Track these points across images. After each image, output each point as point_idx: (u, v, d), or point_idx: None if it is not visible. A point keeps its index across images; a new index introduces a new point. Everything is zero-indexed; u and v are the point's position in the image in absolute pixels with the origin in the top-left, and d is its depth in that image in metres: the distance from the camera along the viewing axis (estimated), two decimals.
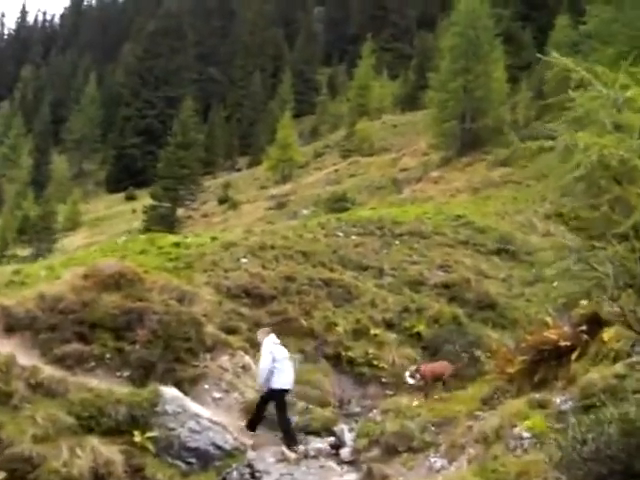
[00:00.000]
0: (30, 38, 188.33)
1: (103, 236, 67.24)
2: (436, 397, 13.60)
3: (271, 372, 13.89)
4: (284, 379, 14.08)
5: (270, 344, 14.42)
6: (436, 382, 15.03)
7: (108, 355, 14.60)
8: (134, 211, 78.89)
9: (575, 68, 9.61)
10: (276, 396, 14.03)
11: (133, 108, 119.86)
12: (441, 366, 15.53)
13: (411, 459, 10.88)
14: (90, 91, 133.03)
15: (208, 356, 15.76)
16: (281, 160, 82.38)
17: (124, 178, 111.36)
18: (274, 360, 13.99)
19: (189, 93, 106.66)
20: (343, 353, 18.00)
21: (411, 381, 14.91)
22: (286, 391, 14.23)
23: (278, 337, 14.84)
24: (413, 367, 15.26)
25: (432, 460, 10.40)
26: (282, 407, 14.04)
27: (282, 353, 14.38)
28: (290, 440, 13.59)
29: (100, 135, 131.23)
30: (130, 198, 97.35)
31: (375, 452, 11.98)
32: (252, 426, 14.04)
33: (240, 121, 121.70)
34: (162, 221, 62.32)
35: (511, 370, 10.98)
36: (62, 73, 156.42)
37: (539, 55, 13.51)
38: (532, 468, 7.35)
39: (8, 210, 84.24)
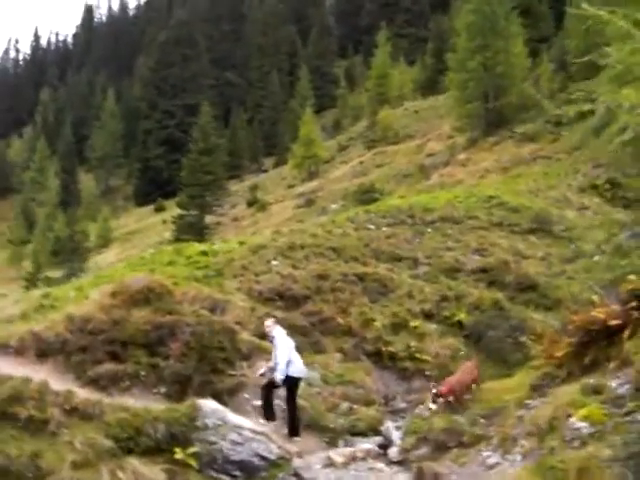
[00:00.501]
0: (45, 61, 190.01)
1: (135, 250, 67.22)
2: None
3: (289, 362, 13.78)
4: (299, 367, 14.03)
5: (283, 334, 14.30)
6: (466, 391, 13.84)
7: (142, 372, 14.32)
8: (164, 222, 78.85)
9: (611, 18, 8.81)
10: (291, 384, 13.90)
11: (153, 120, 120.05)
12: (463, 374, 14.20)
13: (462, 455, 10.37)
14: (109, 107, 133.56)
15: (245, 364, 15.41)
16: (306, 157, 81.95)
17: (151, 190, 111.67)
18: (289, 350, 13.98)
19: (208, 99, 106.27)
20: (383, 349, 17.46)
21: (434, 407, 13.53)
22: (300, 379, 14.16)
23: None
24: (434, 390, 13.77)
25: (484, 455, 9.89)
26: (294, 396, 13.95)
27: (292, 343, 14.34)
28: (294, 430, 13.64)
29: (123, 150, 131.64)
30: (159, 209, 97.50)
31: (424, 450, 11.50)
32: (270, 417, 13.95)
33: (262, 122, 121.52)
34: (191, 229, 62.12)
35: (559, 354, 10.44)
36: (80, 92, 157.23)
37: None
38: (593, 464, 6.81)
39: (40, 233, 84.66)
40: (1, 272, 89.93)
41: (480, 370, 13.91)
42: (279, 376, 13.83)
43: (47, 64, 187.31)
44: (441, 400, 13.22)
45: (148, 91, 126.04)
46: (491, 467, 9.35)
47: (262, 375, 14.44)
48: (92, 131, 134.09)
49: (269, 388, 14.04)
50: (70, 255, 68.72)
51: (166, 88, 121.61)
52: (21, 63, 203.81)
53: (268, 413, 13.99)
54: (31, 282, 64.24)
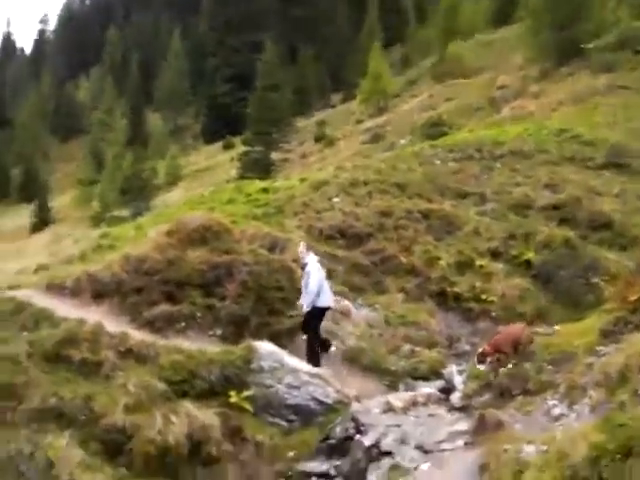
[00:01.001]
0: (111, 0, 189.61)
1: (203, 188, 67.31)
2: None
3: (319, 291, 13.51)
4: (328, 297, 13.77)
5: (316, 261, 13.96)
6: (514, 350, 11.86)
7: (198, 314, 14.14)
8: (232, 159, 78.67)
9: None
10: (318, 314, 13.63)
11: (220, 57, 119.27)
12: (510, 332, 12.33)
13: (527, 403, 9.86)
14: (175, 45, 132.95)
15: None
16: (374, 92, 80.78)
17: (219, 127, 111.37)
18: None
19: (274, 35, 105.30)
20: (448, 289, 16.89)
21: (483, 367, 12.01)
22: (328, 309, 13.87)
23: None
24: (479, 350, 12.22)
25: (550, 404, 9.37)
26: (317, 326, 13.71)
27: (324, 272, 14.00)
28: (313, 360, 13.37)
29: (190, 88, 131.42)
30: (227, 147, 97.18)
31: (487, 396, 11.02)
32: (316, 360, 13.53)
33: (329, 58, 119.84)
34: (257, 166, 61.76)
35: (633, 297, 9.75)
36: (146, 31, 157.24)
37: None
38: None
39: (108, 172, 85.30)
40: (70, 212, 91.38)
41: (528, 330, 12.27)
42: (305, 303, 13.57)
43: (113, 4, 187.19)
44: (488, 359, 11.84)
45: (214, 28, 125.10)
46: (556, 419, 8.84)
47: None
48: (159, 70, 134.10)
49: (309, 321, 13.69)
50: (137, 194, 69.07)
51: (232, 25, 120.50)
52: (87, 3, 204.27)
53: (313, 357, 13.59)
54: (98, 222, 64.88)
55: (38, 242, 65.87)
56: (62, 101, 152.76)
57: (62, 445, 9.11)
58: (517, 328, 12.30)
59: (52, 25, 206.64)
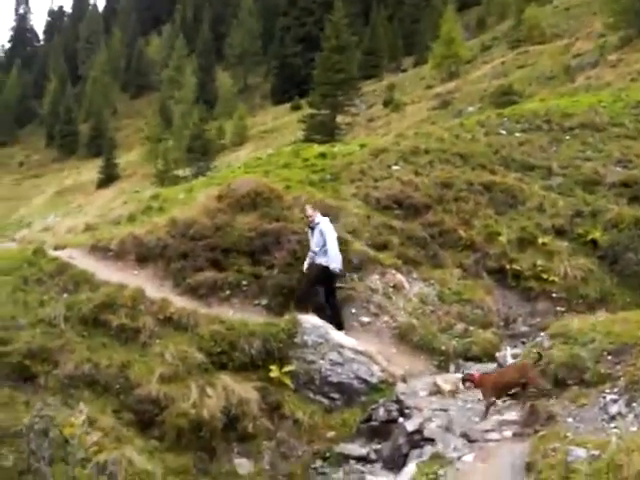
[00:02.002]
0: None
1: (269, 149, 67.02)
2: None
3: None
4: (339, 258, 13.36)
5: (329, 223, 13.62)
6: (504, 395, 10.40)
7: (244, 282, 13.81)
8: (300, 121, 78.22)
9: None
10: (327, 276, 13.28)
11: (291, 17, 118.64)
12: (506, 373, 10.53)
13: (582, 395, 9.21)
14: (247, 4, 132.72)
15: (355, 276, 14.58)
16: (446, 57, 79.53)
17: (288, 88, 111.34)
18: None
19: None
20: (507, 266, 16.05)
21: (463, 387, 10.98)
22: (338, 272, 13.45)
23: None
24: (465, 371, 11.70)
25: (607, 399, 8.73)
26: (335, 288, 13.54)
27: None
28: (341, 325, 13.08)
29: (261, 47, 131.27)
30: (295, 108, 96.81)
31: None
32: (340, 323, 13.18)
33: (402, 20, 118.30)
34: (322, 129, 61.11)
35: None
36: None
37: None
38: None
39: (176, 130, 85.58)
40: (137, 169, 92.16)
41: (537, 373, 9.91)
42: (334, 264, 13.14)
43: None
44: (468, 385, 10.66)
45: None
46: (612, 417, 8.22)
47: (308, 270, 13.66)
48: (230, 29, 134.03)
49: (316, 280, 13.31)
50: (202, 154, 69.06)
51: None
52: None
53: (336, 321, 13.15)
54: (161, 180, 65.09)
55: (102, 198, 66.50)
56: (133, 58, 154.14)
57: (79, 422, 8.73)
58: (520, 368, 10.31)
59: None
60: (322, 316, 12.74)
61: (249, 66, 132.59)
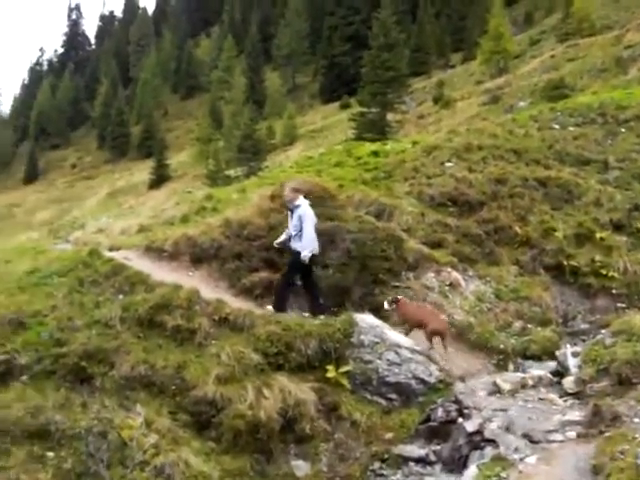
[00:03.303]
0: None
1: (319, 148, 66.99)
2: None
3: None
4: (316, 243, 13.05)
5: (308, 205, 13.19)
6: (417, 328, 12.53)
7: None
8: (349, 120, 78.07)
9: None
10: (309, 262, 12.95)
11: (338, 16, 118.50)
12: (429, 313, 12.80)
13: None
14: (295, 4, 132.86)
15: (411, 275, 14.46)
16: (495, 52, 78.96)
17: (337, 87, 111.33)
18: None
19: None
20: (565, 262, 15.80)
21: (387, 306, 12.86)
22: (315, 256, 13.08)
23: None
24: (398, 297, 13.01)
25: None
26: (311, 273, 13.19)
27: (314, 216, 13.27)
28: (319, 308, 12.89)
29: (309, 47, 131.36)
30: (345, 106, 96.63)
31: (604, 383, 10.08)
32: (320, 307, 12.98)
33: (450, 16, 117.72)
34: (372, 127, 60.77)
35: None
36: None
37: None
38: None
39: (226, 131, 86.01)
40: (188, 169, 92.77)
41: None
42: (307, 250, 12.79)
43: None
44: (393, 307, 12.65)
45: None
46: None
47: (279, 245, 13.52)
48: (278, 29, 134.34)
49: (295, 267, 13.06)
50: (252, 154, 69.26)
51: None
52: None
53: (315, 305, 13.05)
54: (213, 180, 65.33)
55: (153, 199, 66.98)
56: (183, 60, 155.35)
57: (137, 425, 8.72)
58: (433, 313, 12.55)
59: None
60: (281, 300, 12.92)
61: (297, 66, 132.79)
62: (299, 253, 12.83)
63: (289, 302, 13.15)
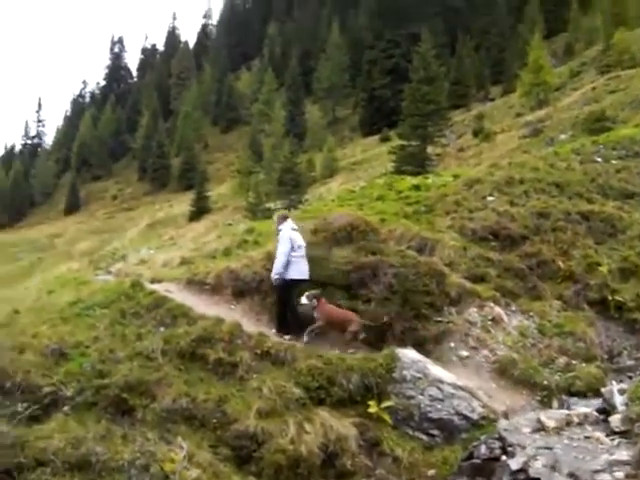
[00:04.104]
0: None
1: (360, 181, 67.03)
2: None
3: (289, 261, 13.24)
4: (301, 268, 13.43)
5: (289, 230, 13.60)
6: (338, 329, 13.22)
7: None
8: (390, 152, 78.09)
9: None
10: (290, 287, 13.34)
11: (378, 50, 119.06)
12: (341, 314, 13.30)
13: None
14: (334, 38, 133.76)
15: (453, 309, 14.32)
16: (534, 84, 78.55)
17: (377, 120, 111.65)
18: (292, 248, 13.32)
19: (433, 27, 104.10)
20: (609, 297, 15.56)
21: (305, 300, 13.27)
22: (302, 281, 13.45)
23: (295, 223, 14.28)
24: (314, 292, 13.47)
25: None
26: (291, 298, 13.40)
27: (300, 241, 13.64)
28: (281, 327, 13.31)
29: (349, 80, 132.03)
30: (385, 139, 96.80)
31: None
32: (285, 328, 13.32)
33: (489, 49, 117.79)
34: (412, 161, 60.70)
35: None
36: (306, 25, 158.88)
37: None
38: None
39: (266, 163, 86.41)
40: (228, 202, 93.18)
41: None
42: (273, 274, 13.27)
43: None
44: (314, 303, 13.20)
45: (373, 21, 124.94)
46: None
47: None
48: (318, 63, 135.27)
49: (282, 293, 13.43)
50: (292, 186, 69.42)
51: (391, 17, 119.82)
52: None
53: (281, 325, 13.40)
54: (253, 213, 65.54)
55: (193, 231, 67.34)
56: (223, 93, 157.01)
57: (179, 458, 8.70)
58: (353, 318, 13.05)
59: (215, 19, 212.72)
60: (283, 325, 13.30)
61: (337, 99, 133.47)
62: (286, 281, 13.32)
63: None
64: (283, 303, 13.46)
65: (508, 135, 67.94)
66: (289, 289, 13.41)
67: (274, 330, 13.25)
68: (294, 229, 13.80)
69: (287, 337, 12.98)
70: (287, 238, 13.43)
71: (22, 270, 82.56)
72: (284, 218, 14.07)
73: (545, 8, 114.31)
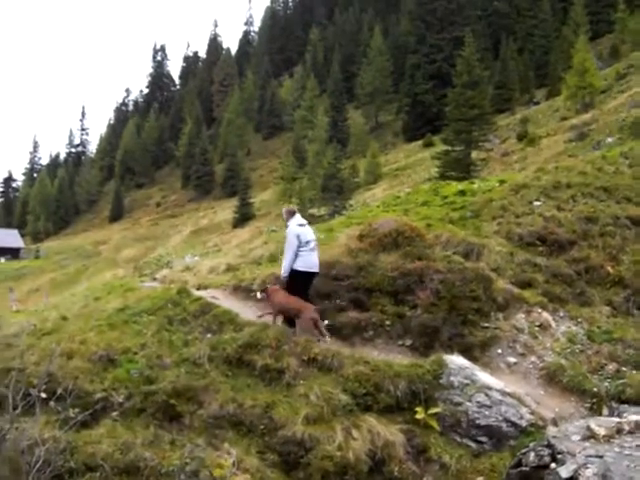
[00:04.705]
0: (314, 0, 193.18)
1: (403, 186, 66.85)
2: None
3: (296, 255, 13.20)
4: (309, 260, 13.33)
5: (295, 226, 13.54)
6: (295, 316, 13.14)
7: (387, 322, 13.61)
8: (433, 158, 77.79)
9: None
10: (299, 279, 13.28)
11: (421, 54, 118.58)
12: (291, 302, 13.19)
13: None
14: (377, 43, 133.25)
15: (500, 315, 14.18)
16: (580, 87, 77.56)
17: (420, 125, 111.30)
18: (300, 244, 13.25)
19: (476, 31, 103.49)
20: None
21: (259, 296, 13.85)
22: (310, 274, 13.42)
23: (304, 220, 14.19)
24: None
25: None
26: (298, 291, 13.42)
27: (309, 235, 13.56)
28: (290, 322, 13.32)
29: (392, 86, 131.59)
30: (428, 145, 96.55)
31: None
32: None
33: (533, 52, 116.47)
34: (457, 166, 60.49)
35: None
36: (348, 30, 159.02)
37: None
38: None
39: (309, 170, 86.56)
40: (271, 208, 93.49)
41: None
42: (282, 273, 13.37)
43: (315, 4, 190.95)
44: (263, 295, 13.66)
45: (415, 25, 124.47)
46: None
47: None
48: (360, 68, 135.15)
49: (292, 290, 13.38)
50: (336, 192, 69.45)
51: (433, 21, 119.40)
52: (290, 5, 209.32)
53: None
54: None
55: (238, 238, 67.65)
56: (266, 99, 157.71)
57: (228, 464, 8.73)
58: (296, 304, 13.05)
59: (256, 26, 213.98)
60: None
61: (380, 104, 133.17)
62: (294, 272, 13.37)
63: None
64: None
65: (553, 139, 67.30)
66: (296, 281, 13.39)
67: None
68: (301, 224, 13.74)
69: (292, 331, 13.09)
70: (293, 235, 13.41)
71: (67, 277, 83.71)
72: (292, 213, 14.00)
73: (590, 10, 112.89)
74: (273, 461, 10.04)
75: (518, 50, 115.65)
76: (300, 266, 13.29)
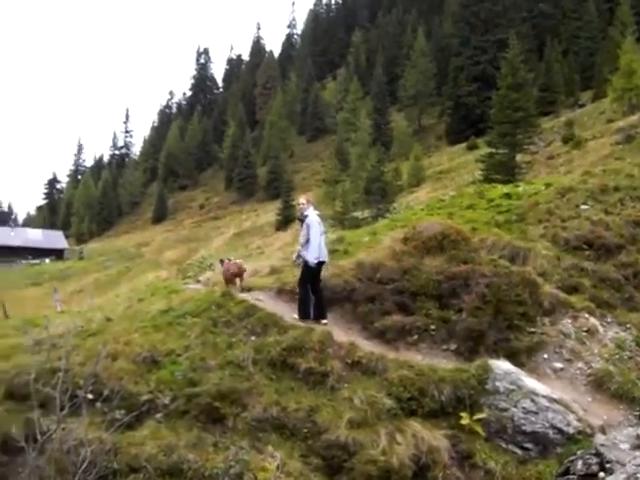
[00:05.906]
0: (356, 3, 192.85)
1: (447, 190, 66.48)
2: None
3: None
4: (324, 250, 13.81)
5: (315, 215, 13.92)
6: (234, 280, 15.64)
7: (432, 326, 13.53)
8: (477, 161, 77.26)
9: None
10: (312, 269, 13.52)
11: (464, 56, 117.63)
12: (233, 267, 15.96)
13: None
14: (420, 45, 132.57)
15: (546, 320, 14.03)
16: (627, 89, 76.48)
17: (464, 128, 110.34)
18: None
19: (520, 32, 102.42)
20: None
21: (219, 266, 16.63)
22: (322, 263, 13.73)
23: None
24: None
25: None
26: (313, 281, 13.77)
27: (322, 227, 14.04)
28: (305, 314, 13.56)
29: (435, 88, 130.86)
30: (471, 148, 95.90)
31: None
32: (307, 313, 13.55)
33: (578, 54, 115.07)
34: (501, 169, 59.92)
35: None
36: (391, 32, 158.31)
37: None
38: None
39: (352, 172, 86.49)
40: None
41: None
42: (311, 256, 13.47)
43: (358, 6, 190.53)
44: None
45: (459, 27, 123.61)
46: None
47: (297, 260, 14.46)
48: (404, 70, 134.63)
49: (306, 279, 13.69)
50: (379, 195, 69.21)
51: (477, 23, 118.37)
52: (333, 7, 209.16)
53: (304, 311, 13.61)
54: (340, 222, 65.63)
55: (280, 240, 67.80)
56: (309, 102, 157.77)
57: (272, 467, 8.70)
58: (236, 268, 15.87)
59: (299, 29, 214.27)
60: (305, 308, 13.52)
61: (423, 107, 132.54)
62: (307, 260, 13.58)
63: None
64: (306, 287, 13.68)
65: (599, 142, 66.50)
66: (310, 269, 13.64)
67: (295, 315, 13.55)
68: (319, 214, 14.19)
69: (308, 321, 13.34)
70: (317, 222, 13.79)
71: (110, 278, 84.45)
72: (309, 202, 14.38)
73: (638, 10, 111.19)
74: (316, 465, 10.03)
75: (563, 52, 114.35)
76: (312, 260, 13.63)
